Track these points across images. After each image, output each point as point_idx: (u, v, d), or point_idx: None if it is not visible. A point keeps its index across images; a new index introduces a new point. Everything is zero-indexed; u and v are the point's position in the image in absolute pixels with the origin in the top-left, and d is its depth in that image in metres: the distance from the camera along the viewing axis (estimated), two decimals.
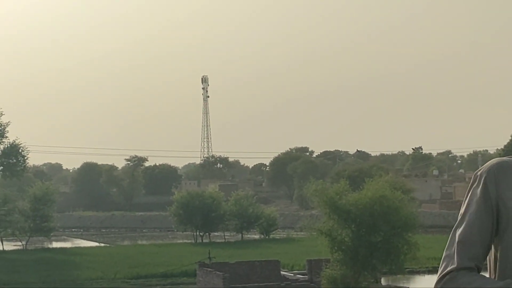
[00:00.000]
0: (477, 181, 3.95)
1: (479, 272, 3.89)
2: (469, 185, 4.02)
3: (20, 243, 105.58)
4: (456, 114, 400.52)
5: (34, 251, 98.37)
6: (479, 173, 3.98)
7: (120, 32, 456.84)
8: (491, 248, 3.94)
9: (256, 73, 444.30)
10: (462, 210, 3.98)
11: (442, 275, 3.87)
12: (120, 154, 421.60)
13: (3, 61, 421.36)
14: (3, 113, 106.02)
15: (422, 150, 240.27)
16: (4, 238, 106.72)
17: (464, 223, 3.92)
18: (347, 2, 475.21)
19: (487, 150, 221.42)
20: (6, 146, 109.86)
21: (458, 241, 3.89)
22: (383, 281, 63.98)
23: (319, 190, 58.45)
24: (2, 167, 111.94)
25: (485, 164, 4.00)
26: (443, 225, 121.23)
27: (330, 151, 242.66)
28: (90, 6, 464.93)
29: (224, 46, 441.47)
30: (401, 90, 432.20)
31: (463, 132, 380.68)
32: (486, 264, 4.09)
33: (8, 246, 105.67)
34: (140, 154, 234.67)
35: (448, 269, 3.85)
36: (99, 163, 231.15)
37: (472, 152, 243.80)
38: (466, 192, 4.01)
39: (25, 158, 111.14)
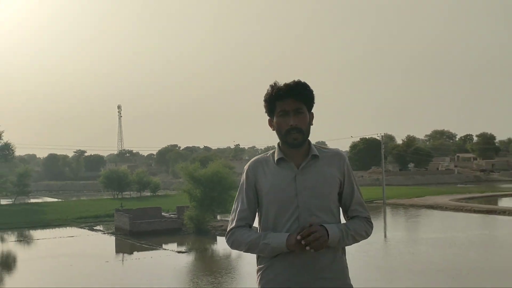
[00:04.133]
0: (245, 172, 3.85)
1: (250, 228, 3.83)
2: (242, 174, 3.88)
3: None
4: (240, 117, 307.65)
5: (18, 205, 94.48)
6: (245, 166, 3.89)
7: None
8: (256, 214, 3.86)
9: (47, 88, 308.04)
10: (238, 191, 3.88)
11: (226, 232, 3.82)
12: None
13: None
14: None
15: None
16: (1, 197, 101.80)
17: (239, 199, 3.84)
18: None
19: (254, 147, 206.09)
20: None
21: (236, 211, 3.83)
22: (218, 217, 63.05)
23: (184, 167, 57.64)
24: None
25: (250, 161, 3.88)
26: None
27: (190, 146, 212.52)
28: None
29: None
30: (202, 97, 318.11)
31: (248, 132, 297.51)
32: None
33: (3, 201, 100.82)
34: None
35: (229, 228, 3.80)
36: None
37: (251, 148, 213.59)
38: (241, 179, 3.91)
39: None
